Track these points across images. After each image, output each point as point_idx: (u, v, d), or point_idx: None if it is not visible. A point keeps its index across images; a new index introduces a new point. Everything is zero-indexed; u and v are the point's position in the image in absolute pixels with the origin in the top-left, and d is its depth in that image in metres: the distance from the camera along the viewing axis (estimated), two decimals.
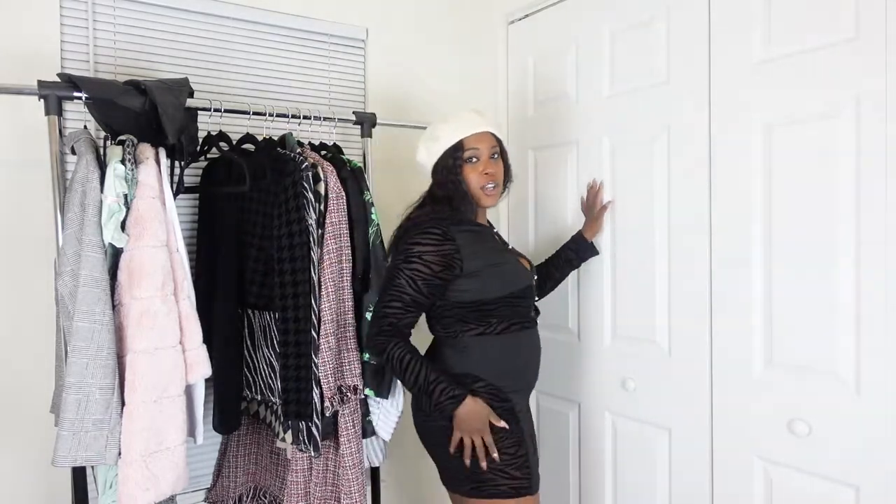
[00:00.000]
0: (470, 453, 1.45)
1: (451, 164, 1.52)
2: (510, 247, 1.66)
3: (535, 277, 1.67)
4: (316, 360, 1.52)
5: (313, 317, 1.52)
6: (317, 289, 1.53)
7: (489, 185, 1.54)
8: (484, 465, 1.44)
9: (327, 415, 1.53)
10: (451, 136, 1.53)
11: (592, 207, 1.92)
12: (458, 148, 1.52)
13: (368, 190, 1.73)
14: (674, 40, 1.72)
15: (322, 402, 1.52)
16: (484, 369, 1.49)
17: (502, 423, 1.46)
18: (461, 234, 1.49)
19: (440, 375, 1.43)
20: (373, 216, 1.68)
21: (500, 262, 1.52)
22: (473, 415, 1.43)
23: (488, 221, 1.68)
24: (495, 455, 1.45)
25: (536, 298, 1.70)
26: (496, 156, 1.57)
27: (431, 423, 1.52)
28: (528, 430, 1.57)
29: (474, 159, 1.53)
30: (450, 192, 1.53)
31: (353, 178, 1.69)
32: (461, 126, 1.54)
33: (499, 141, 1.59)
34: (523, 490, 1.49)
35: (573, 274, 1.97)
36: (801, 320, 1.46)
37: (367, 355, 1.63)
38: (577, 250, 1.88)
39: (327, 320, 1.53)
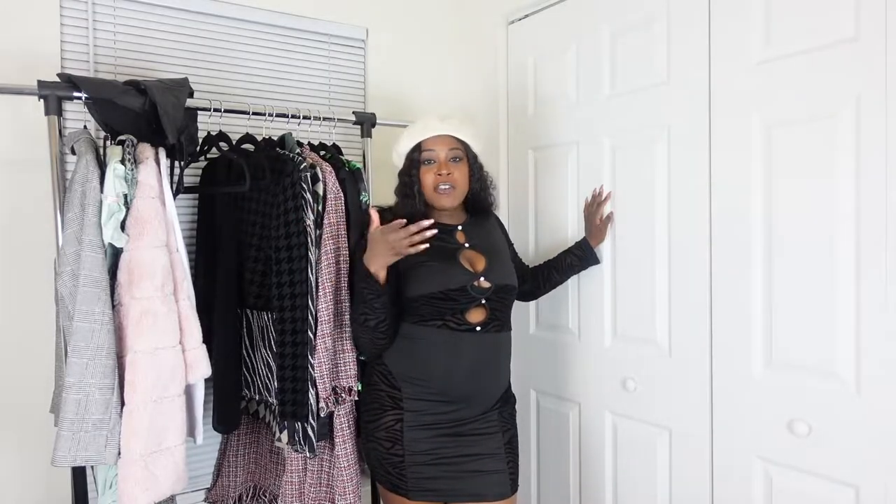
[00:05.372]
0: (411, 244, 1.33)
1: (408, 165, 1.59)
2: (467, 246, 1.59)
3: (499, 283, 1.56)
4: (312, 361, 1.52)
5: (310, 317, 1.52)
6: (314, 289, 1.53)
7: (443, 186, 1.56)
8: (429, 233, 1.33)
9: (322, 415, 1.53)
10: (410, 139, 1.59)
11: (594, 215, 1.91)
12: (416, 150, 1.58)
13: (367, 192, 1.73)
14: (674, 40, 1.72)
15: (318, 402, 1.52)
16: (390, 354, 1.56)
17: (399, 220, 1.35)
18: None
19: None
20: None
21: (423, 262, 1.49)
22: (373, 245, 1.40)
23: (469, 216, 1.67)
24: (428, 231, 1.33)
25: (533, 297, 1.92)
26: (457, 159, 1.58)
27: (366, 445, 1.59)
28: (441, 438, 1.51)
29: (431, 161, 1.57)
30: (402, 193, 1.59)
31: (352, 180, 1.69)
32: (420, 129, 1.59)
33: (463, 144, 1.60)
34: (400, 490, 1.51)
35: None
36: (801, 320, 1.46)
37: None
38: (582, 257, 1.89)
39: (324, 321, 1.53)
